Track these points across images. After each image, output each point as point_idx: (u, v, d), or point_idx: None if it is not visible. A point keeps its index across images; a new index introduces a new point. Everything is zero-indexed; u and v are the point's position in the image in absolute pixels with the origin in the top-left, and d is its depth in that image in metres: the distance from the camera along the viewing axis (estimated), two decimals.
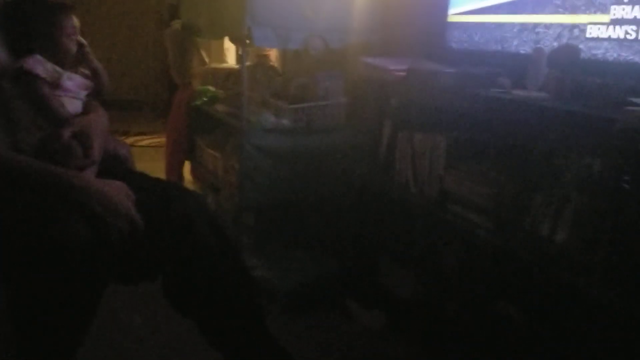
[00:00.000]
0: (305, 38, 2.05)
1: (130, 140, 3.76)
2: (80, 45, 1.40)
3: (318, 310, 2.02)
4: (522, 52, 1.68)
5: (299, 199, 2.18)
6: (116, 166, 1.44)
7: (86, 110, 1.38)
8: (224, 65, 2.93)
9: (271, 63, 2.66)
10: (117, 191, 1.19)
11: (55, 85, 1.32)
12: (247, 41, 2.00)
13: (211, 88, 2.58)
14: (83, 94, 1.40)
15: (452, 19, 1.94)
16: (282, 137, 2.09)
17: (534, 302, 1.54)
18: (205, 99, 2.52)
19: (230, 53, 3.03)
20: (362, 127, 2.16)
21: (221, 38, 2.64)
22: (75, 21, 1.38)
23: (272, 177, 2.08)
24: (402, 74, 1.84)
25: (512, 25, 1.71)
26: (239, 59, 2.81)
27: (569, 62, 1.49)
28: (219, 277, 1.36)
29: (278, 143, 2.08)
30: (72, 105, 1.36)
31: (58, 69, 1.34)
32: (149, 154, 3.48)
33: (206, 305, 1.37)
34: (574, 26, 1.54)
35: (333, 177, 2.17)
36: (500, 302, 1.60)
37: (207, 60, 2.86)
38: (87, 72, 1.43)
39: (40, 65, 1.30)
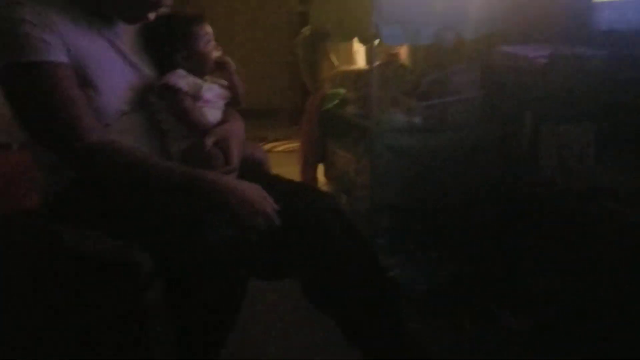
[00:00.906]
0: (435, 32, 1.99)
1: (267, 147, 3.90)
2: (220, 58, 1.47)
3: (458, 312, 1.94)
4: None
5: (434, 199, 2.12)
6: (253, 170, 1.50)
7: (225, 118, 1.45)
8: (354, 67, 2.93)
9: (401, 61, 2.61)
10: (254, 192, 1.24)
11: (197, 96, 1.40)
12: (376, 40, 1.98)
13: (342, 91, 2.59)
14: (222, 102, 1.47)
15: None
16: (415, 135, 2.04)
17: None
18: (336, 101, 2.54)
19: (359, 55, 3.03)
20: (500, 122, 2.05)
21: (350, 40, 2.65)
22: (209, 29, 1.45)
23: (405, 177, 2.04)
24: (543, 61, 1.72)
25: None
26: (368, 59, 2.80)
27: None
28: (356, 276, 1.37)
29: (410, 142, 2.04)
30: (212, 114, 1.43)
31: (198, 81, 1.41)
32: (285, 159, 3.58)
33: (343, 304, 1.38)
34: None
35: (469, 175, 2.08)
36: None
37: (336, 63, 2.89)
38: (224, 82, 1.50)
39: (182, 80, 1.37)
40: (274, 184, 1.44)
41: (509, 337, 1.81)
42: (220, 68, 1.48)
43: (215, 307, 1.19)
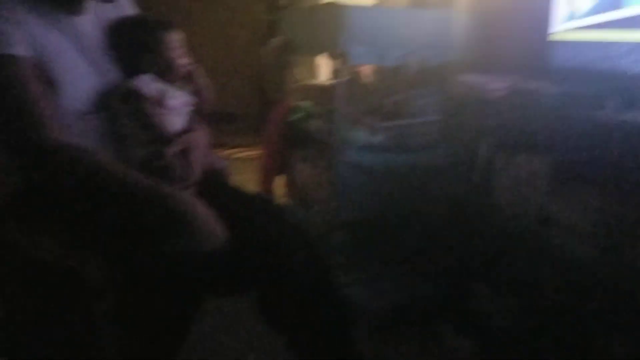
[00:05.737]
0: (401, 55, 2.03)
1: (226, 152, 3.86)
2: (188, 66, 1.45)
3: (409, 332, 1.97)
4: (636, 70, 1.57)
5: (393, 218, 2.14)
6: (212, 180, 1.48)
7: (188, 126, 1.42)
8: (316, 81, 2.95)
9: (363, 80, 2.64)
10: (209, 214, 1.22)
11: (160, 103, 1.37)
12: (343, 58, 2.00)
13: (308, 104, 2.60)
14: (186, 110, 1.44)
15: (555, 36, 1.85)
16: (376, 154, 2.07)
17: None
18: (301, 114, 2.54)
19: (322, 69, 3.05)
20: (457, 147, 2.10)
21: (320, 54, 2.66)
22: (179, 36, 1.43)
23: (365, 194, 2.07)
24: (501, 93, 1.78)
25: (624, 42, 1.60)
26: (332, 75, 2.82)
27: None
28: (309, 293, 1.36)
29: (371, 160, 2.06)
30: (176, 122, 1.40)
31: (163, 87, 1.38)
32: (244, 166, 3.57)
33: (294, 323, 1.38)
34: None
35: (427, 196, 2.12)
36: (607, 337, 1.50)
37: (299, 76, 2.89)
38: (191, 89, 1.48)
39: (146, 85, 1.35)
40: (232, 197, 1.43)
41: (454, 357, 1.84)
42: (188, 76, 1.46)
43: (167, 322, 1.17)
